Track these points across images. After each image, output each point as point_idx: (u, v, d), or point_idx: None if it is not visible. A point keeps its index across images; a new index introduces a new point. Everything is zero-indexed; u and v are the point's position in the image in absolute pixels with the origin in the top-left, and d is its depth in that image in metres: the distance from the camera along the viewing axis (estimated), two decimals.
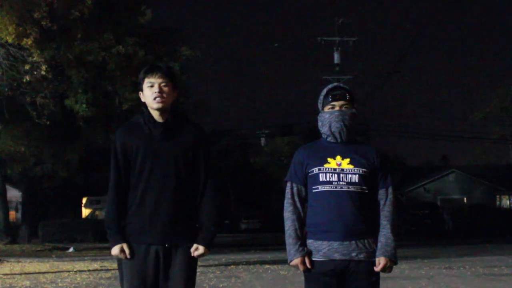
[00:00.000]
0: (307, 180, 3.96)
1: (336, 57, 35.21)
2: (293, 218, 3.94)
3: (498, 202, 47.05)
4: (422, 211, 37.61)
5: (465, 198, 47.59)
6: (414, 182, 50.14)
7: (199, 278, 11.08)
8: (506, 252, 18.83)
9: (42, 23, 18.14)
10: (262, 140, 55.64)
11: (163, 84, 3.99)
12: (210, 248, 3.97)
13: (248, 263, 16.15)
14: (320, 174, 3.89)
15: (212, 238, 3.97)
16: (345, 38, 35.15)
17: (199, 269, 11.33)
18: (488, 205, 42.40)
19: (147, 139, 3.95)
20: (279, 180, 54.53)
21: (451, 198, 47.97)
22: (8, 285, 11.50)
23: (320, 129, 4.02)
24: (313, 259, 3.88)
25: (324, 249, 3.84)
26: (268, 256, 18.78)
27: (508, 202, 46.79)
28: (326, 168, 3.89)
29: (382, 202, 3.94)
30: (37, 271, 14.67)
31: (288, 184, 4.01)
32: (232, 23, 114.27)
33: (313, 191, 3.92)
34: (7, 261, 18.12)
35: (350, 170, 3.88)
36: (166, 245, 3.88)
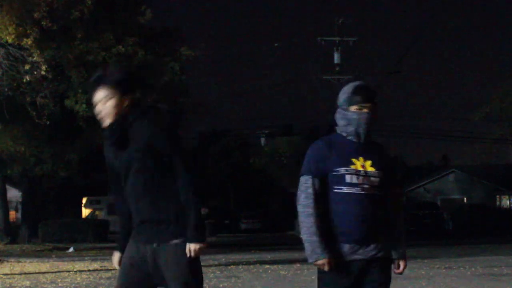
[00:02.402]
0: (328, 178, 3.83)
1: (336, 57, 35.17)
2: (316, 214, 3.78)
3: (498, 202, 47.09)
4: (422, 211, 37.68)
5: (465, 198, 47.62)
6: (414, 182, 50.16)
7: None
8: (506, 252, 18.83)
9: (42, 23, 18.09)
10: (262, 140, 55.55)
11: (103, 102, 3.94)
12: (202, 241, 3.79)
13: (248, 263, 16.13)
14: (346, 176, 3.79)
15: (199, 230, 3.78)
16: (345, 38, 35.11)
17: None
18: (488, 205, 42.46)
19: (112, 150, 3.98)
20: (279, 180, 54.53)
21: (451, 198, 48.01)
22: (8, 285, 11.50)
23: (342, 127, 3.89)
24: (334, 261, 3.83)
25: (345, 251, 3.80)
26: (268, 256, 18.75)
27: (508, 202, 46.80)
28: (352, 170, 3.81)
29: (393, 201, 3.94)
30: (37, 271, 14.67)
31: (308, 179, 3.82)
32: (232, 23, 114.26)
33: (336, 191, 3.81)
34: (7, 261, 18.13)
35: (373, 173, 3.83)
36: (154, 245, 3.86)
